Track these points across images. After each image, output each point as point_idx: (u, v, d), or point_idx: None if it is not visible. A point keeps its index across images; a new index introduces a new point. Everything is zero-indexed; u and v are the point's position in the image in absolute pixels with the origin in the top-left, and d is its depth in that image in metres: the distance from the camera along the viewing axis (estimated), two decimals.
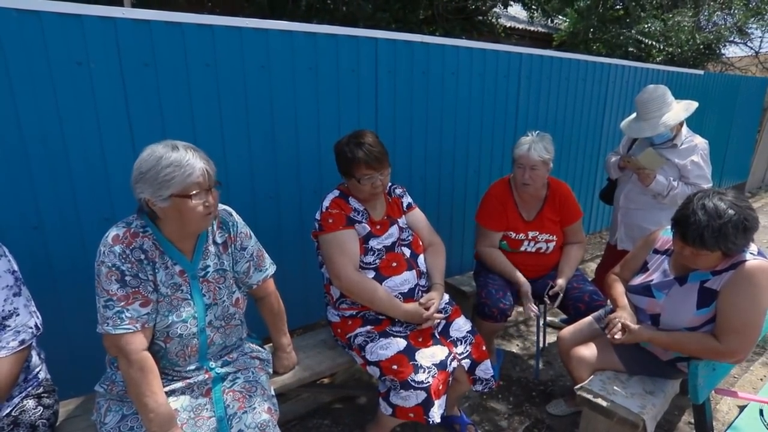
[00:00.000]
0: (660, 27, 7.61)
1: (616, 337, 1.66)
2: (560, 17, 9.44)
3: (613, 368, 1.84)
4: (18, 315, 1.24)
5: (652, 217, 2.41)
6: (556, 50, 3.55)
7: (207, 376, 1.40)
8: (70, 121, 1.70)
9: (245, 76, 2.04)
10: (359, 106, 2.43)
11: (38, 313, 1.32)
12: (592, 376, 1.82)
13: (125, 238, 1.25)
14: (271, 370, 1.63)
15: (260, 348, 1.63)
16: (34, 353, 1.39)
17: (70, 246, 1.79)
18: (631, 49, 7.60)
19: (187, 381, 1.37)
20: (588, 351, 1.87)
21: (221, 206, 1.49)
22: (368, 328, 1.78)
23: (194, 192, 1.23)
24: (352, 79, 2.36)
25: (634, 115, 2.46)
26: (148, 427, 1.22)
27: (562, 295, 2.20)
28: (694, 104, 2.32)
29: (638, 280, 1.81)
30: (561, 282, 2.21)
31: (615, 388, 1.74)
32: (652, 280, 1.75)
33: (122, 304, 1.22)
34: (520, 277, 2.21)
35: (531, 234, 2.29)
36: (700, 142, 2.35)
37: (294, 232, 2.36)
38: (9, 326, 1.22)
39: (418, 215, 1.98)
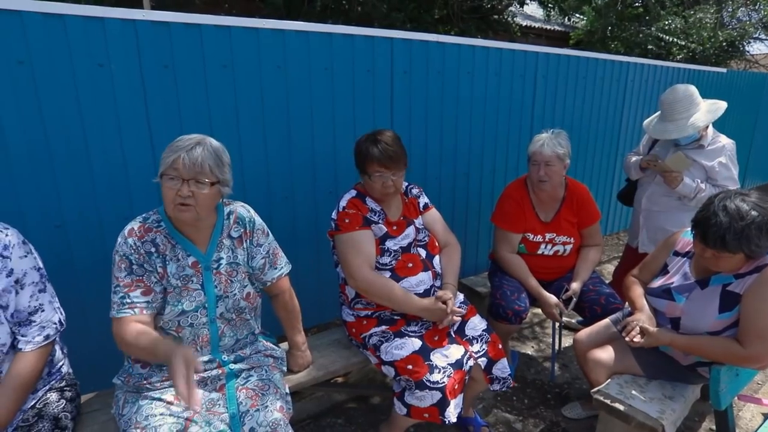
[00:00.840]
0: (681, 24, 7.46)
1: (634, 340, 1.63)
2: (577, 15, 9.32)
3: (630, 372, 1.81)
4: (43, 311, 1.28)
5: (675, 220, 2.35)
6: (572, 49, 3.51)
7: (221, 371, 1.42)
8: (91, 123, 1.74)
9: (262, 76, 2.06)
10: (374, 107, 2.43)
11: (62, 309, 1.35)
12: (609, 380, 1.79)
13: (139, 231, 1.33)
14: (285, 369, 1.65)
15: (274, 346, 1.65)
16: (57, 348, 1.43)
17: (91, 243, 1.83)
18: (650, 47, 7.46)
19: (201, 375, 1.39)
20: (605, 354, 1.84)
21: (239, 203, 1.53)
22: (383, 328, 1.78)
23: (169, 175, 1.26)
24: (367, 79, 2.36)
25: (657, 114, 2.40)
26: (165, 357, 1.20)
27: (576, 299, 2.17)
28: (723, 104, 2.25)
29: (658, 283, 1.77)
30: (575, 286, 2.18)
31: (633, 392, 1.71)
32: (672, 283, 1.71)
33: (126, 290, 1.30)
34: (545, 295, 2.17)
35: (548, 236, 2.26)
36: (728, 142, 2.28)
37: (309, 232, 2.37)
38: (34, 321, 1.26)
39: (434, 215, 1.97)
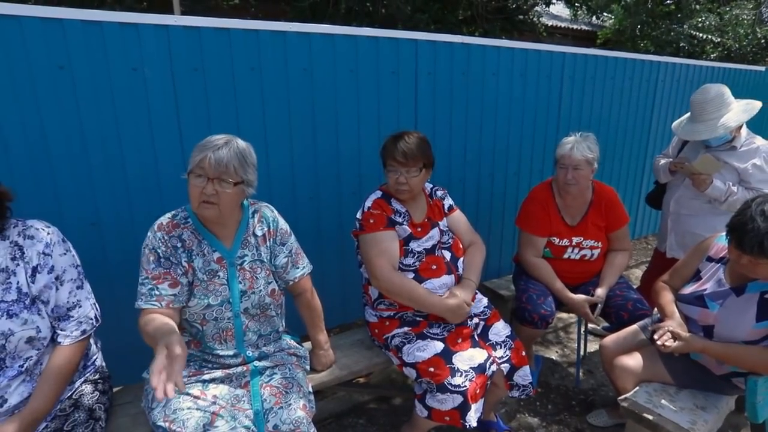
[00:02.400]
0: (716, 21, 7.21)
1: (666, 344, 1.58)
2: (605, 14, 9.11)
3: (660, 380, 1.76)
4: (80, 306, 1.33)
5: (705, 224, 2.28)
6: (600, 49, 3.43)
7: (245, 368, 1.45)
8: (126, 125, 1.80)
9: (288, 79, 2.09)
10: (399, 108, 2.43)
11: (97, 306, 1.41)
12: (637, 387, 1.75)
13: (167, 226, 1.39)
14: (308, 367, 1.67)
15: (298, 345, 1.67)
16: (92, 342, 1.49)
17: (123, 241, 1.89)
18: (682, 44, 7.23)
19: (227, 371, 1.43)
20: (633, 360, 1.80)
21: (264, 204, 1.56)
22: (406, 329, 1.79)
23: (196, 173, 1.31)
24: (392, 81, 2.37)
25: (687, 115, 2.34)
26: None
27: (601, 306, 2.12)
28: (757, 104, 2.17)
29: (689, 289, 1.72)
30: (600, 292, 2.13)
31: (662, 401, 1.66)
32: (705, 290, 1.66)
33: (155, 282, 1.34)
34: (572, 297, 2.14)
35: (575, 240, 2.22)
36: (763, 144, 2.20)
37: (333, 232, 2.39)
38: (72, 317, 1.31)
39: (458, 217, 1.96)
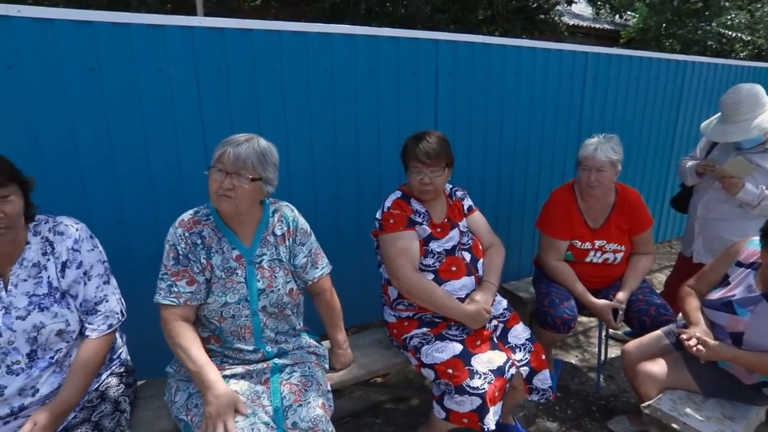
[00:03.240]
0: (746, 19, 6.99)
1: (699, 347, 1.53)
2: (629, 13, 8.92)
3: (685, 387, 1.72)
4: (107, 301, 1.37)
5: (736, 228, 2.20)
6: (623, 48, 3.36)
7: (265, 365, 1.47)
8: (151, 126, 1.84)
9: (309, 79, 2.11)
10: (419, 108, 2.43)
11: (123, 300, 1.44)
12: (660, 395, 1.71)
13: (188, 223, 1.41)
14: (327, 366, 1.68)
15: (317, 344, 1.68)
16: (117, 335, 1.53)
17: (147, 238, 1.93)
18: (710, 43, 7.03)
19: (247, 368, 1.45)
20: (657, 367, 1.76)
21: (285, 203, 1.57)
22: (424, 330, 1.78)
23: (216, 168, 1.34)
24: (412, 81, 2.37)
25: (717, 116, 2.27)
26: (198, 386, 1.31)
27: (622, 312, 2.07)
28: None
29: (717, 295, 1.67)
30: (621, 296, 2.08)
31: (687, 409, 1.62)
32: (733, 296, 1.61)
33: (173, 279, 1.37)
34: (594, 301, 2.10)
35: (598, 243, 2.17)
36: None
37: (352, 232, 2.40)
38: (99, 311, 1.35)
39: (478, 218, 1.95)
